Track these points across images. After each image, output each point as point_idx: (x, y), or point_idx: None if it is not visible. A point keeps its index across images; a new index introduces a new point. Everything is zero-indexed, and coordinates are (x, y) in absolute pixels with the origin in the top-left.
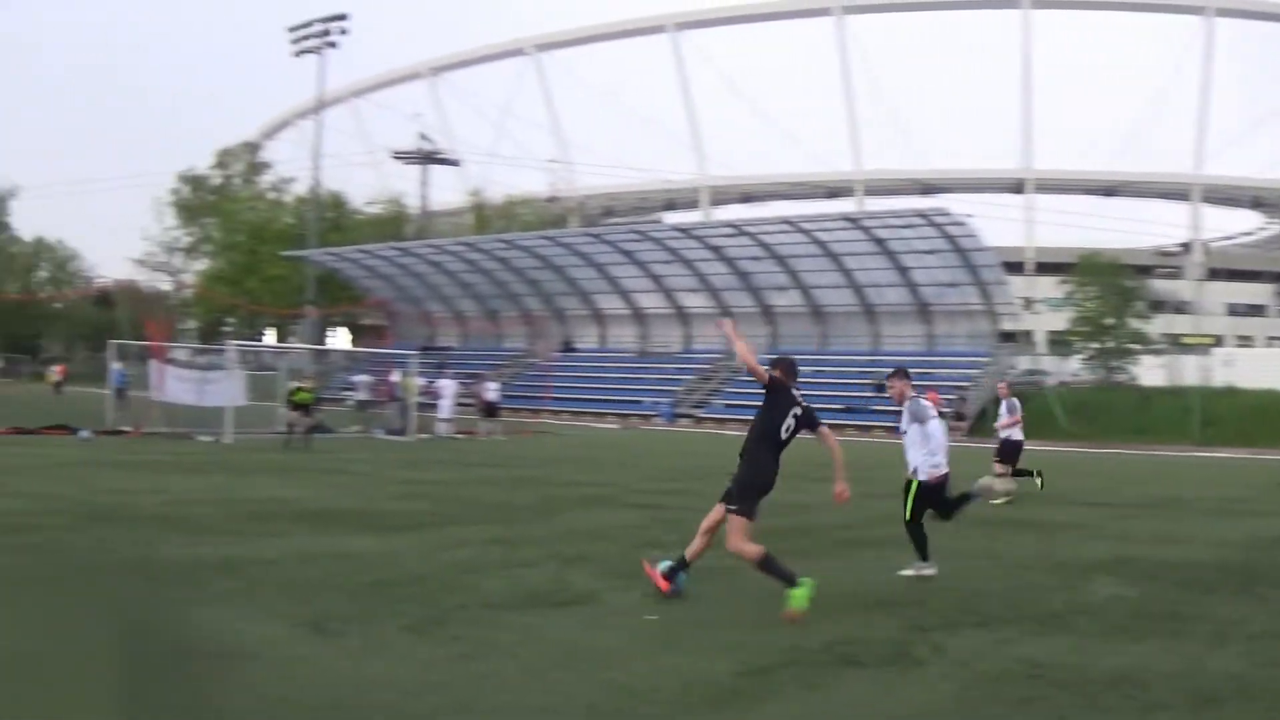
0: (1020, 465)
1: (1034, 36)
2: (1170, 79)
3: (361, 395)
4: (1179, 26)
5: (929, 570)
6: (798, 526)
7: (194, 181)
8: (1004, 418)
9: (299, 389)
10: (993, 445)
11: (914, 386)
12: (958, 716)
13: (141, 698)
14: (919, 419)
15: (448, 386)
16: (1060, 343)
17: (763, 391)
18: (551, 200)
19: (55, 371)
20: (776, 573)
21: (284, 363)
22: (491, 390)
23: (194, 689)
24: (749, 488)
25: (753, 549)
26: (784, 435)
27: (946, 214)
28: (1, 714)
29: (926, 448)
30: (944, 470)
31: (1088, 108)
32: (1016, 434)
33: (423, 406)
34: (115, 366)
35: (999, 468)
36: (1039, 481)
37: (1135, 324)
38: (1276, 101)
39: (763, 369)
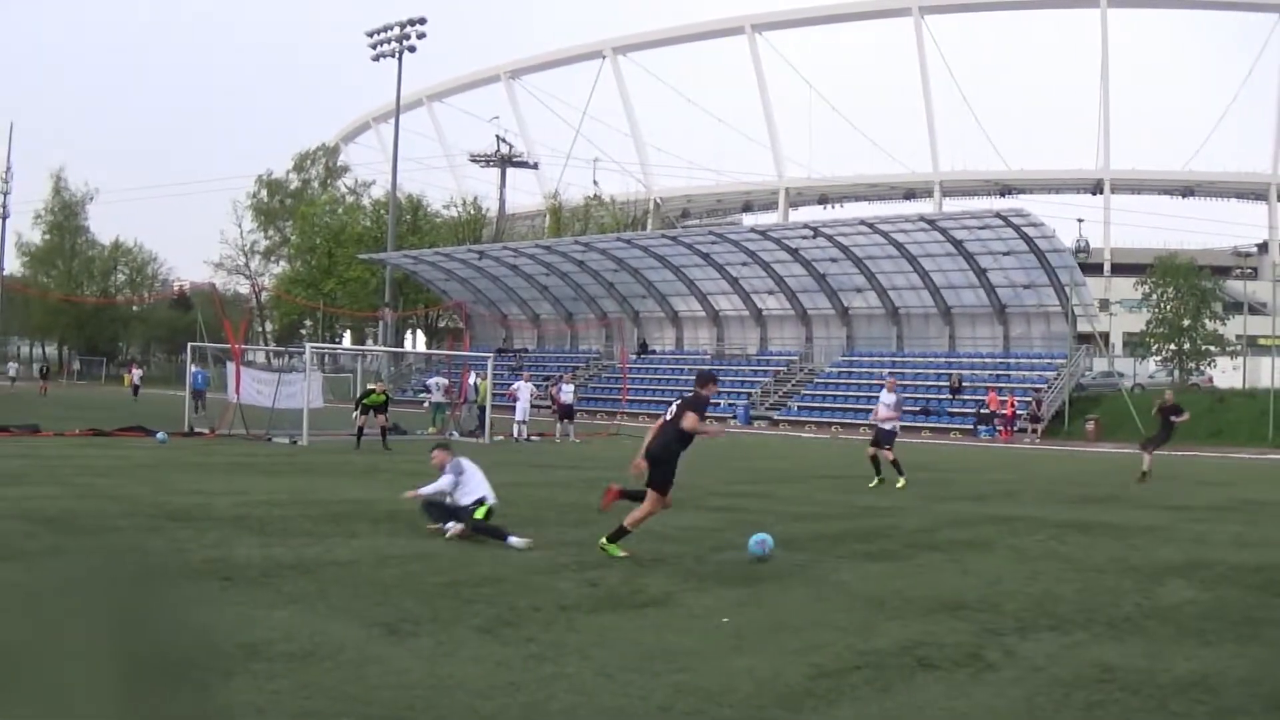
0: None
1: (1111, 35)
2: (1247, 77)
3: (437, 397)
4: (1256, 24)
5: None
6: (875, 530)
7: (272, 185)
8: (885, 410)
9: (371, 391)
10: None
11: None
12: None
13: (214, 699)
14: None
15: (524, 388)
16: (1137, 344)
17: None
18: (629, 203)
19: (132, 373)
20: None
21: (360, 365)
22: (567, 392)
23: (267, 690)
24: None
25: None
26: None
27: (1024, 214)
28: (85, 713)
29: None
30: None
31: (1165, 107)
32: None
33: (498, 408)
34: (193, 369)
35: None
36: (875, 481)
37: (1211, 325)
38: None
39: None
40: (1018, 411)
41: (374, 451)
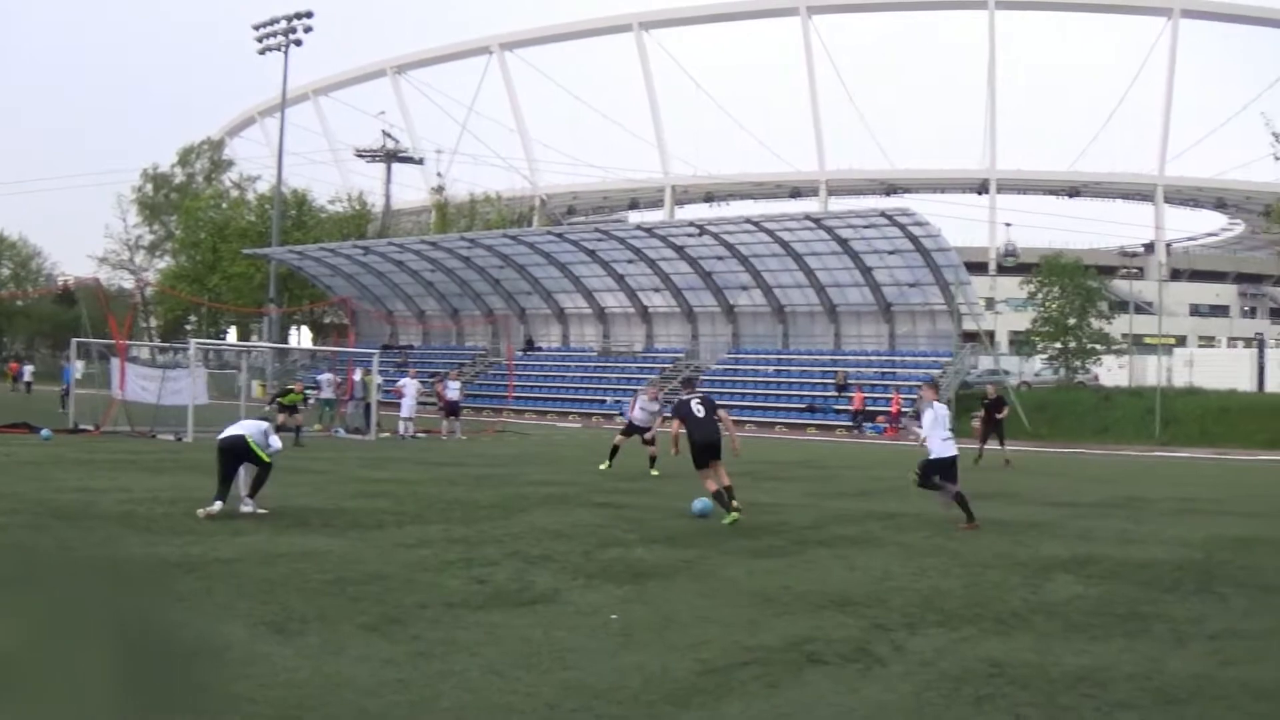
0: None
1: (999, 37)
2: (1134, 80)
3: (324, 394)
4: (1143, 28)
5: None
6: (762, 526)
7: (157, 179)
8: (642, 414)
9: (289, 390)
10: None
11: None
12: (918, 715)
13: (102, 696)
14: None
15: (410, 385)
16: (1022, 343)
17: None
18: (514, 199)
19: (20, 369)
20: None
21: (245, 361)
22: (453, 389)
23: (154, 689)
24: None
25: None
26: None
27: (909, 214)
28: None
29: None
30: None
31: (1052, 108)
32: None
33: (384, 405)
34: (66, 365)
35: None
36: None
37: (1098, 324)
38: (1239, 103)
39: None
40: (903, 409)
41: (290, 449)
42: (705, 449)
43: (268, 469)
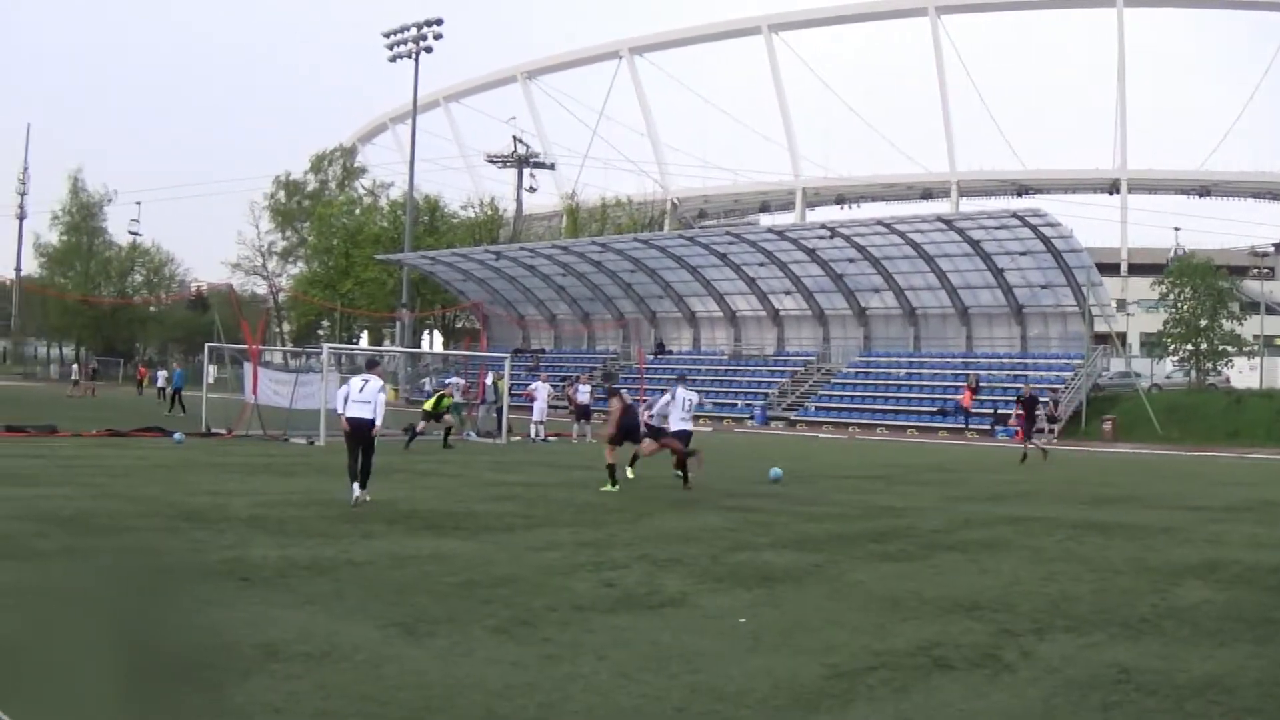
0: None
1: (1128, 35)
2: (1263, 76)
3: (455, 397)
4: (1272, 23)
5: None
6: (891, 530)
7: (289, 186)
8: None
9: (441, 396)
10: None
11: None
12: None
13: (232, 698)
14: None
15: (541, 389)
16: (1154, 344)
17: None
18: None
19: (156, 375)
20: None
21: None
22: (584, 393)
23: (284, 690)
24: None
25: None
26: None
27: (1041, 214)
28: (99, 713)
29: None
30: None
31: (1181, 107)
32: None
33: (515, 409)
34: (174, 369)
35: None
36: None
37: (1229, 325)
38: None
39: None
40: (1035, 413)
41: (423, 451)
42: (630, 431)
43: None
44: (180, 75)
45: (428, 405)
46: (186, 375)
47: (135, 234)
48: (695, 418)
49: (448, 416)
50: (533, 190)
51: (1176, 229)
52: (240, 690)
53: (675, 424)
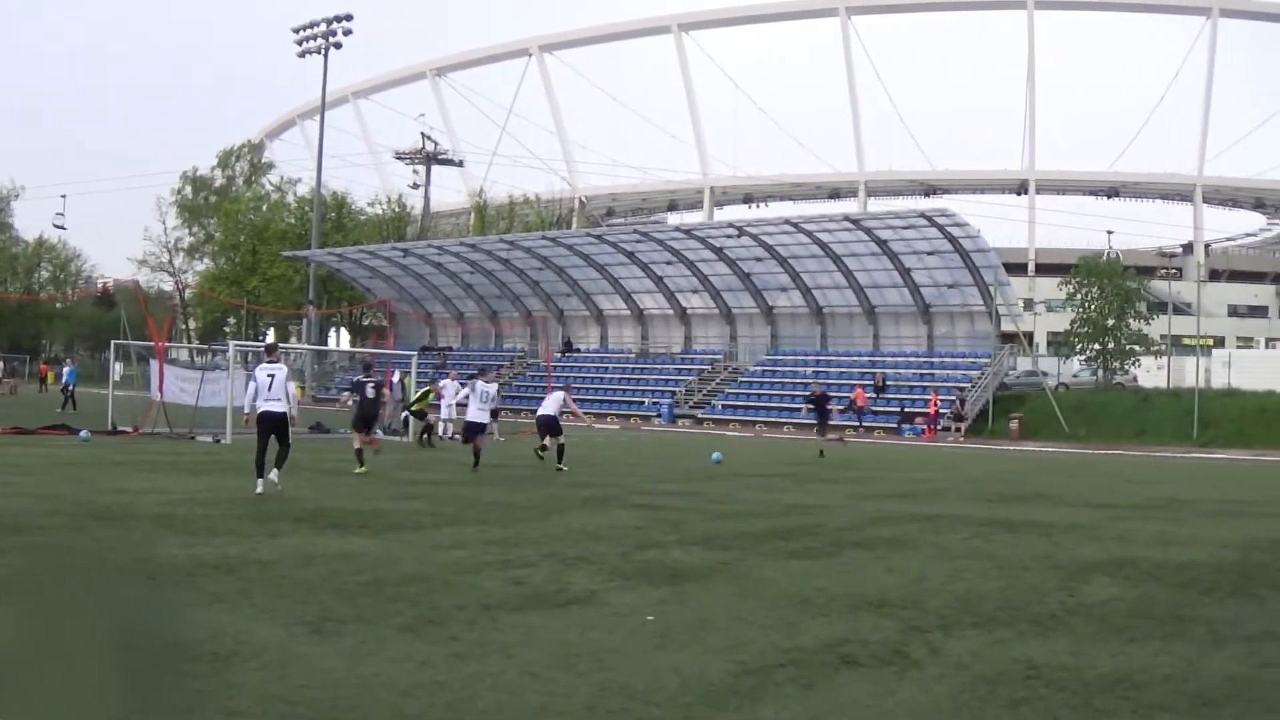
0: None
1: (1038, 37)
2: (1173, 80)
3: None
4: (1182, 27)
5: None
6: (799, 527)
7: (196, 182)
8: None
9: (428, 392)
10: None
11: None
12: (954, 718)
13: (139, 698)
14: None
15: (448, 386)
16: (1061, 344)
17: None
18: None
19: (40, 370)
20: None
21: (284, 362)
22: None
23: (191, 689)
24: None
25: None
26: None
27: (948, 214)
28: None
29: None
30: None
31: (1091, 109)
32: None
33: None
34: (70, 365)
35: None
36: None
37: (1136, 325)
38: (1278, 102)
39: None
40: (941, 410)
41: (328, 450)
42: (368, 419)
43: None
44: (86, 68)
45: (413, 401)
46: (78, 372)
47: (61, 227)
48: (584, 414)
49: (431, 415)
50: (415, 187)
51: (1110, 232)
52: (147, 690)
53: (472, 414)
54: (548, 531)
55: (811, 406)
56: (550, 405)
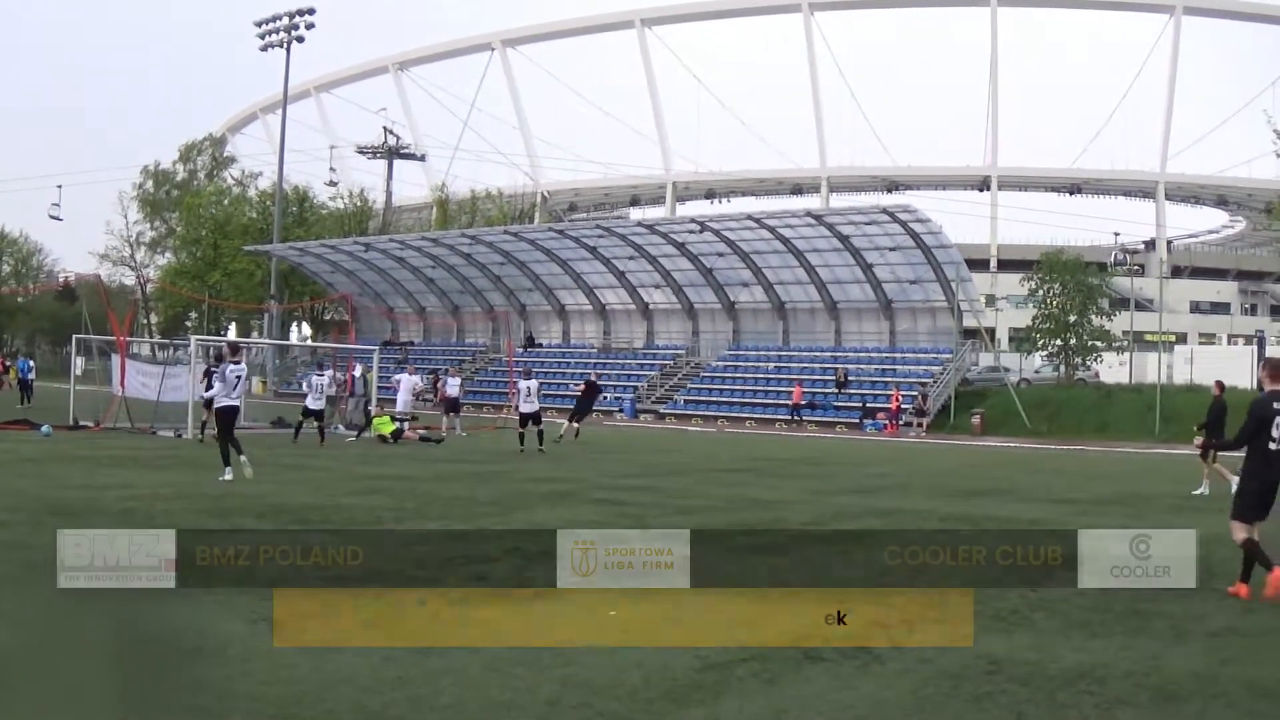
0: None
1: (1001, 34)
2: (1136, 78)
3: (328, 390)
4: (1145, 25)
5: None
6: (762, 522)
7: (158, 176)
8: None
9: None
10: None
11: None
12: (917, 712)
13: (102, 694)
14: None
15: (405, 381)
16: (1023, 339)
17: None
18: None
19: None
20: None
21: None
22: (453, 385)
23: (154, 686)
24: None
25: None
26: None
27: (911, 210)
28: None
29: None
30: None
31: (1054, 106)
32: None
33: (387, 402)
34: (22, 359)
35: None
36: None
37: (1098, 321)
38: (1241, 100)
39: None
40: (903, 405)
41: (293, 446)
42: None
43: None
44: (50, 62)
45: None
46: (31, 365)
47: (56, 218)
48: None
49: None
50: (331, 184)
51: (1117, 234)
52: (114, 685)
53: (311, 403)
54: (510, 526)
55: (581, 392)
56: (530, 397)
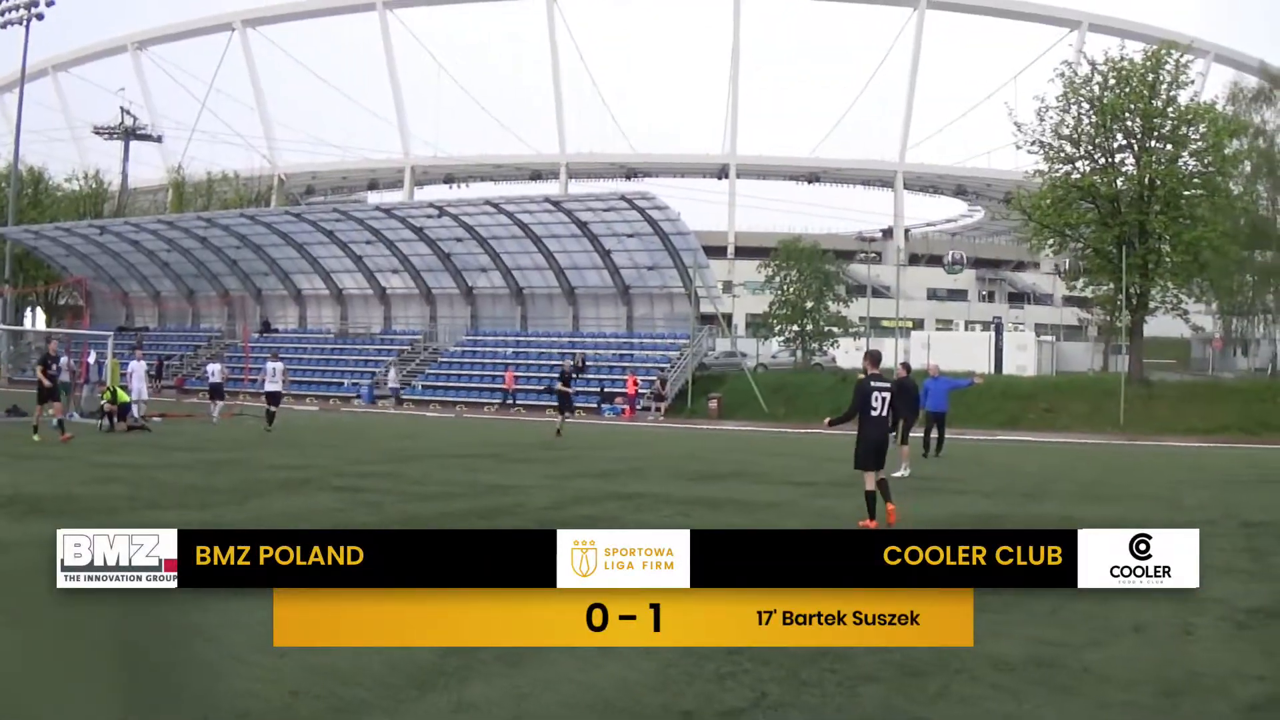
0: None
1: (743, 22)
2: (878, 68)
3: (64, 377)
4: (889, 17)
5: None
6: (501, 507)
7: None
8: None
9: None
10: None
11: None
12: (661, 692)
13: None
14: None
15: (137, 367)
16: (760, 325)
17: None
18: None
19: None
20: None
21: None
22: (215, 372)
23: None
24: None
25: None
26: None
27: (648, 197)
28: None
29: None
30: None
31: (796, 96)
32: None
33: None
34: None
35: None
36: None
37: (835, 307)
38: (980, 92)
39: None
40: (641, 390)
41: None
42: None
43: None
44: None
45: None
46: None
47: None
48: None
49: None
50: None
51: (945, 227)
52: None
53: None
54: (246, 514)
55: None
56: (275, 378)
